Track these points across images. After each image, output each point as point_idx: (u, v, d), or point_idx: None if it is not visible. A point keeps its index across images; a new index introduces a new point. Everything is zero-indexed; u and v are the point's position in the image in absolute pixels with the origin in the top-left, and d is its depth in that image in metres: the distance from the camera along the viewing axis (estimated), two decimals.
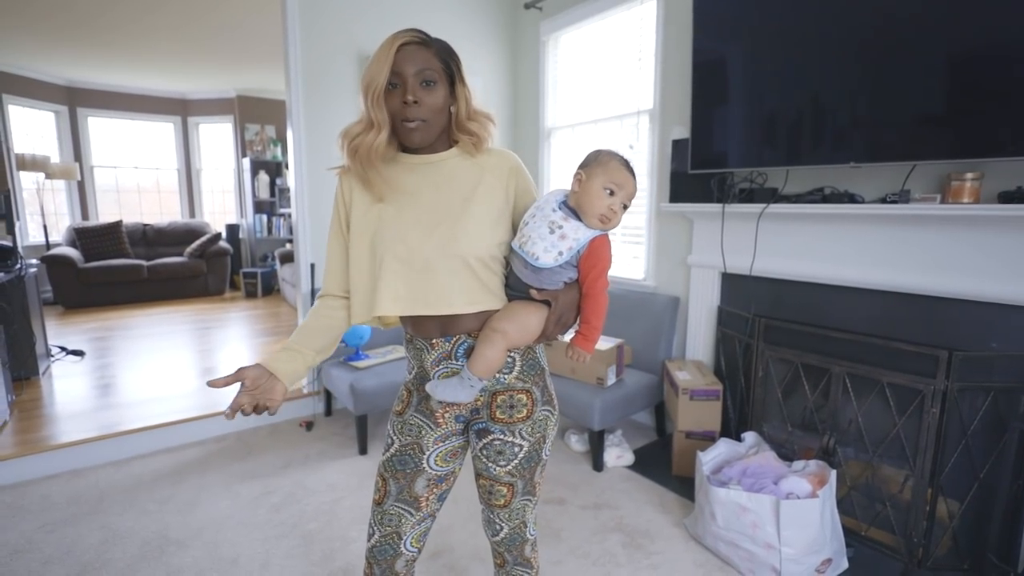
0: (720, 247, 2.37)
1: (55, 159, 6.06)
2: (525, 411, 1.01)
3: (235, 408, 0.94)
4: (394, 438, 1.07)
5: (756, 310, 2.27)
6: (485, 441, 1.02)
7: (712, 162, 2.29)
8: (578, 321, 0.98)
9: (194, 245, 6.19)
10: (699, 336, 2.56)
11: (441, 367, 0.99)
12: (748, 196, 2.24)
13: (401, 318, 1.02)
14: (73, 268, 5.36)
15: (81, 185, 6.34)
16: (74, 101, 6.22)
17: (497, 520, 1.09)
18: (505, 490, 1.04)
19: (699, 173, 2.33)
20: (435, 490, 1.07)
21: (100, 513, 2.06)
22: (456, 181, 0.97)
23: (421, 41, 0.93)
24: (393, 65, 0.89)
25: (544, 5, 3.27)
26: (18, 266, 3.02)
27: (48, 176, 5.71)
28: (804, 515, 1.62)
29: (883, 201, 1.84)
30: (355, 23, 2.85)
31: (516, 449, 1.01)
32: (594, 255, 0.93)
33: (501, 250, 0.97)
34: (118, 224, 6.03)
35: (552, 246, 0.91)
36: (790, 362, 2.14)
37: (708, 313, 2.51)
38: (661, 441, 2.68)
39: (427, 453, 1.05)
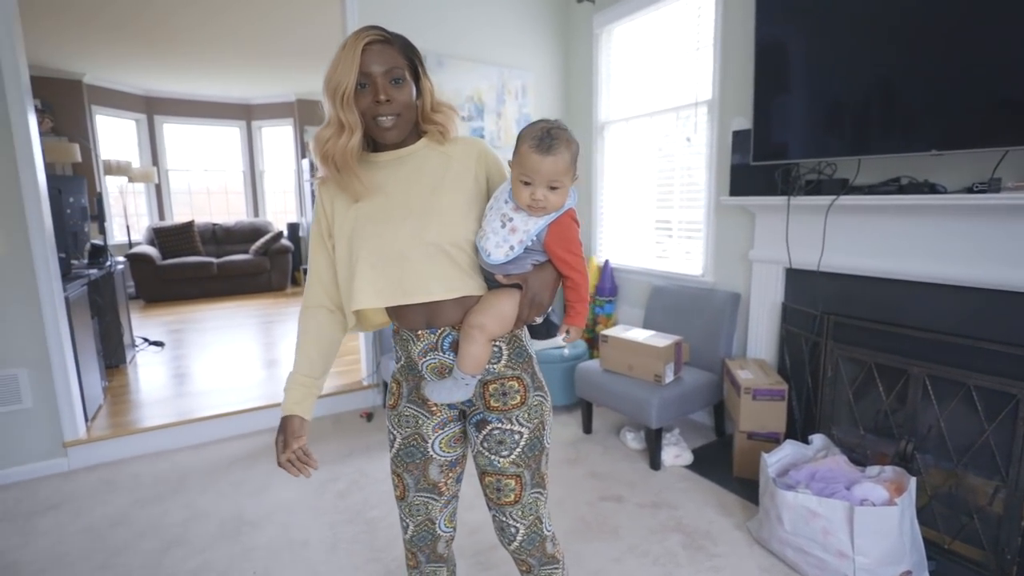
0: (785, 241, 2.28)
1: (135, 164, 6.53)
2: (519, 397, 1.01)
3: (302, 469, 1.00)
4: (394, 433, 1.08)
5: (824, 307, 2.16)
6: (484, 432, 1.02)
7: (776, 153, 2.20)
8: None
9: (258, 243, 6.52)
10: (761, 334, 2.47)
11: (428, 357, 0.99)
12: (815, 188, 2.13)
13: (387, 312, 1.04)
14: (152, 265, 5.77)
15: (158, 188, 6.81)
16: (151, 109, 6.68)
17: (511, 522, 1.06)
18: (513, 483, 1.03)
19: (762, 165, 2.25)
20: (450, 474, 1.09)
21: (183, 492, 2.22)
22: (424, 172, 0.98)
23: (384, 39, 0.93)
24: (361, 66, 0.89)
25: None
26: (108, 263, 3.28)
27: (130, 180, 6.16)
28: (881, 523, 1.54)
29: (969, 191, 1.71)
30: (411, 25, 2.91)
31: (516, 436, 1.01)
32: (556, 237, 0.91)
33: (475, 235, 0.97)
34: (191, 224, 6.43)
35: (504, 240, 0.90)
36: (862, 362, 2.03)
37: (771, 310, 2.42)
38: (720, 441, 2.61)
39: (430, 441, 1.06)
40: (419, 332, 0.98)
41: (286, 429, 1.00)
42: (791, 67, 2.12)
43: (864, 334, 2.03)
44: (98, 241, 3.30)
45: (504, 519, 1.06)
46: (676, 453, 2.38)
